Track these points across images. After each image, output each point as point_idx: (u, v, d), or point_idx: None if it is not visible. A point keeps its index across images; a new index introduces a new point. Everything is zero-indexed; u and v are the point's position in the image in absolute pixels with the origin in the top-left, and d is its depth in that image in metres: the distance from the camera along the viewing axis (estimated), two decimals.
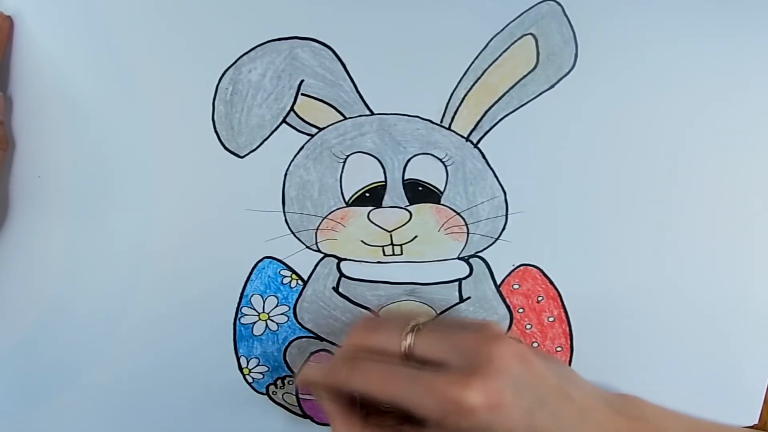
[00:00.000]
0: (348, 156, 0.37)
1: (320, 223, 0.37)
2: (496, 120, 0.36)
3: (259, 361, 0.39)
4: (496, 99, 0.36)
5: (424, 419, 0.29)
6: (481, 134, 0.37)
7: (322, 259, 0.38)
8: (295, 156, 0.37)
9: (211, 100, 0.36)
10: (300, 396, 0.40)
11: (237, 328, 0.39)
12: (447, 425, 0.28)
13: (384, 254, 0.38)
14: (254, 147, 0.36)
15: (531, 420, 0.29)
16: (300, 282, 0.38)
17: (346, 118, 0.36)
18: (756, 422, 0.42)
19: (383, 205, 0.37)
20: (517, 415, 0.29)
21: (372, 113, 0.36)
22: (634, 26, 0.36)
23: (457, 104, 0.36)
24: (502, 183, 0.37)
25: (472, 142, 0.37)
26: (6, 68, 0.36)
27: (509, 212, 0.37)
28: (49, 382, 0.39)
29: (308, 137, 0.37)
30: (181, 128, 0.36)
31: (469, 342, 0.30)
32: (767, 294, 0.39)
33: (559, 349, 0.40)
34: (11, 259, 0.38)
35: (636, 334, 0.39)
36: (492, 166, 0.37)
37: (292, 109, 0.36)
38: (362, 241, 0.38)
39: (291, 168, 0.37)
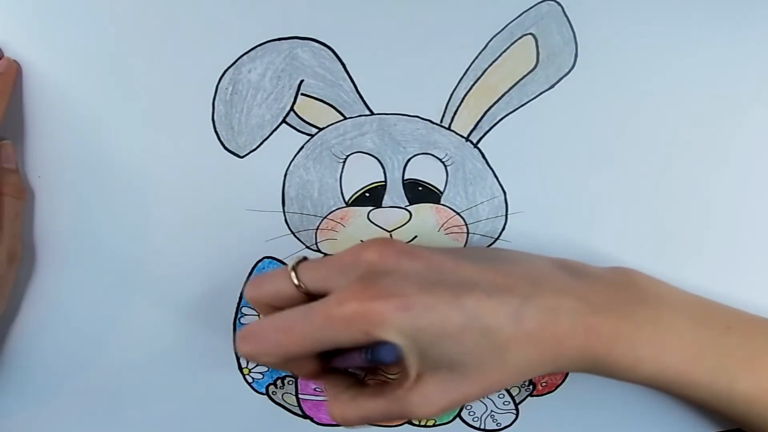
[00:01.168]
0: (348, 156, 0.37)
1: (320, 223, 0.37)
2: (496, 120, 0.37)
3: None
4: (496, 99, 0.36)
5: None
6: (481, 134, 0.37)
7: None
8: (295, 156, 0.37)
9: (211, 100, 0.36)
10: (300, 396, 0.40)
11: (237, 328, 0.39)
12: (379, 340, 0.26)
13: None
14: (254, 147, 0.36)
15: (463, 309, 0.26)
16: None
17: (345, 118, 0.36)
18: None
19: (383, 205, 0.37)
20: (442, 308, 0.26)
21: (372, 113, 0.36)
22: (634, 26, 0.36)
23: (457, 104, 0.36)
24: (502, 183, 0.37)
25: (472, 142, 0.37)
26: None
27: (509, 212, 0.37)
28: (49, 382, 0.39)
29: (308, 137, 0.37)
30: (181, 128, 0.36)
31: (346, 257, 0.28)
32: (767, 293, 0.39)
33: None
34: None
35: None
36: (492, 166, 0.37)
37: (291, 109, 0.36)
38: (362, 241, 0.38)
39: (291, 168, 0.37)
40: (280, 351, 0.28)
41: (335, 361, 0.31)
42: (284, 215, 0.37)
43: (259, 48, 0.35)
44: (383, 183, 0.37)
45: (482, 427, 0.41)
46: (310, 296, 0.29)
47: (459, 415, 0.41)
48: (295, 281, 0.29)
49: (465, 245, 0.38)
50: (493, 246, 0.37)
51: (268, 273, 0.32)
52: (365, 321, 0.25)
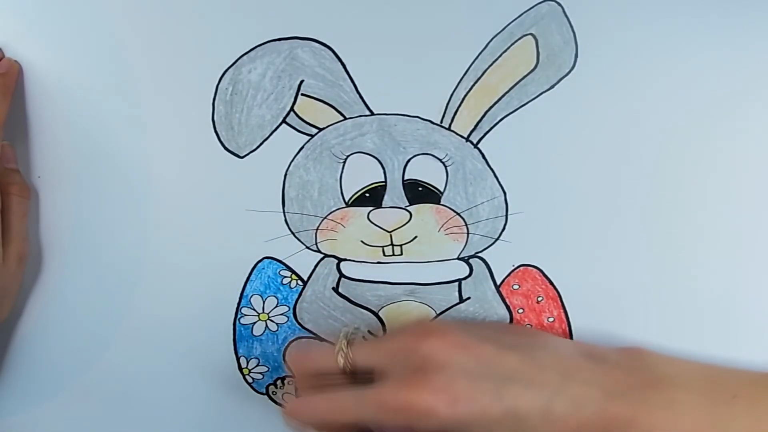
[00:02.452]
0: (348, 156, 0.37)
1: (320, 223, 0.37)
2: (496, 120, 0.36)
3: (259, 362, 0.39)
4: (496, 99, 0.36)
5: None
6: (481, 134, 0.37)
7: (322, 259, 0.38)
8: (295, 156, 0.37)
9: (211, 101, 0.36)
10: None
11: (237, 328, 0.39)
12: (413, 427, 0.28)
13: (384, 254, 0.38)
14: (254, 147, 0.36)
15: (502, 400, 0.28)
16: (300, 282, 0.38)
17: (346, 119, 0.36)
18: None
19: (383, 206, 0.37)
20: (485, 401, 0.28)
21: (372, 113, 0.36)
22: (634, 26, 0.36)
23: (457, 104, 0.36)
24: (502, 183, 0.37)
25: (472, 143, 0.37)
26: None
27: (509, 212, 0.37)
28: (49, 382, 0.39)
29: (308, 137, 0.37)
30: (181, 128, 0.36)
31: (402, 344, 0.30)
32: (767, 294, 0.39)
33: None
34: None
35: (636, 334, 0.38)
36: (492, 166, 0.37)
37: (292, 109, 0.36)
38: (362, 242, 0.38)
39: (291, 168, 0.37)
40: (325, 426, 0.30)
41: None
42: (284, 215, 0.37)
43: (259, 48, 0.35)
44: (383, 183, 0.37)
45: None
46: (354, 373, 0.31)
47: None
48: (347, 366, 0.31)
49: (465, 245, 0.38)
50: (513, 322, 0.36)
51: (315, 349, 0.34)
52: (415, 412, 0.27)
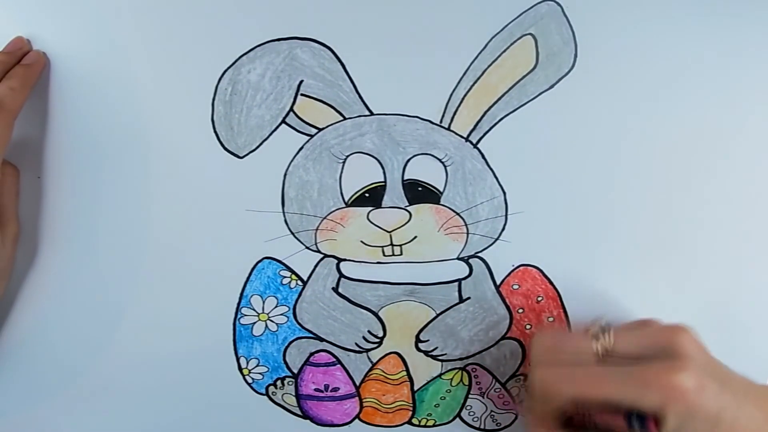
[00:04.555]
0: (347, 156, 0.37)
1: (320, 223, 0.37)
2: (496, 120, 0.36)
3: (259, 362, 0.39)
4: (496, 99, 0.36)
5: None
6: (481, 134, 0.37)
7: (322, 259, 0.38)
8: (295, 156, 0.37)
9: (211, 101, 0.36)
10: (300, 396, 0.40)
11: (237, 328, 0.39)
12: (666, 413, 0.30)
13: (384, 255, 0.38)
14: (254, 147, 0.36)
15: (719, 401, 0.31)
16: (299, 282, 0.38)
17: (345, 119, 0.36)
18: None
19: (383, 206, 0.37)
20: (712, 397, 0.31)
21: (371, 113, 0.36)
22: (633, 26, 0.36)
23: (457, 104, 0.36)
24: (501, 183, 0.37)
25: (471, 143, 0.37)
26: None
27: (509, 212, 0.37)
28: (49, 382, 0.39)
29: (308, 137, 0.37)
30: (181, 129, 0.36)
31: (659, 335, 0.33)
32: (767, 294, 0.39)
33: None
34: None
35: None
36: (491, 166, 0.37)
37: (291, 109, 0.36)
38: (362, 242, 0.38)
39: (290, 168, 0.37)
40: (583, 389, 0.32)
41: (598, 417, 0.34)
42: (284, 215, 0.37)
43: (258, 48, 0.35)
44: (383, 183, 0.37)
45: (482, 427, 0.41)
46: (605, 357, 0.33)
47: (459, 415, 0.41)
48: (609, 344, 0.33)
49: (465, 245, 0.38)
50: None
51: (565, 333, 0.37)
52: (675, 392, 0.30)
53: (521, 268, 0.38)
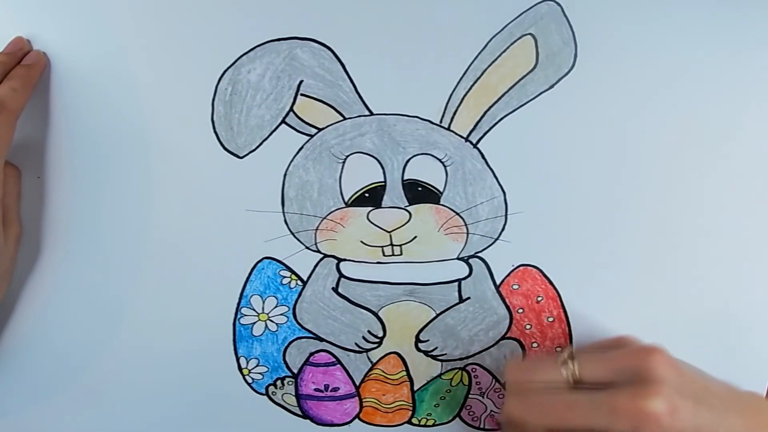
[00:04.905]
0: (347, 156, 0.37)
1: (319, 223, 0.37)
2: (496, 120, 0.36)
3: (259, 362, 0.39)
4: (496, 99, 0.36)
5: None
6: (481, 134, 0.37)
7: (322, 259, 0.38)
8: (295, 156, 0.37)
9: (211, 101, 0.36)
10: (300, 396, 0.40)
11: (236, 328, 0.39)
12: None
13: (383, 254, 0.38)
14: (253, 147, 0.36)
15: (696, 419, 0.31)
16: (299, 282, 0.38)
17: (345, 119, 0.36)
18: None
19: (383, 206, 0.37)
20: (687, 417, 0.31)
21: (371, 113, 0.36)
22: (633, 26, 0.36)
23: (457, 104, 0.36)
24: (501, 183, 0.37)
25: (471, 143, 0.37)
26: None
27: (509, 212, 0.37)
28: (50, 381, 0.39)
29: (307, 137, 0.37)
30: (181, 129, 0.36)
31: (627, 359, 0.32)
32: (767, 294, 0.39)
33: (558, 349, 0.40)
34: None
35: (635, 334, 0.38)
36: (491, 166, 0.37)
37: (291, 109, 0.36)
38: (362, 242, 0.38)
39: (290, 168, 0.37)
40: (554, 421, 0.32)
41: None
42: (284, 215, 0.37)
43: (258, 48, 0.35)
44: (383, 183, 0.37)
45: (482, 427, 0.41)
46: (576, 384, 0.33)
47: (459, 415, 0.41)
48: (575, 374, 0.33)
49: (465, 245, 0.38)
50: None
51: (535, 360, 0.36)
52: (645, 419, 0.30)
53: (521, 268, 0.38)
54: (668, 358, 0.32)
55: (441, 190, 0.37)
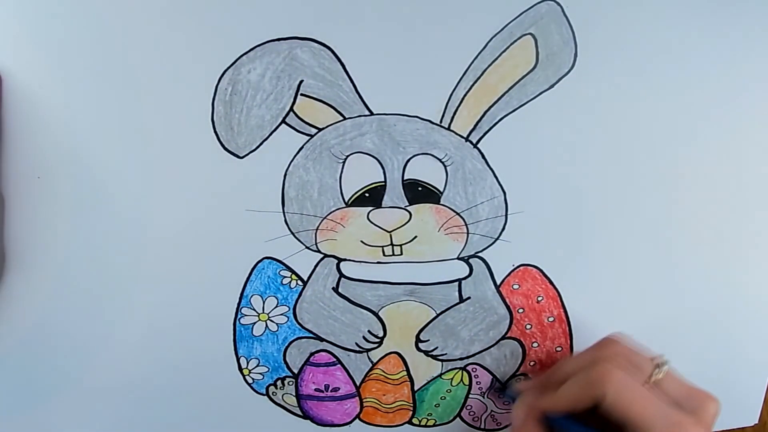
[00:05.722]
0: (347, 156, 0.37)
1: (320, 223, 0.37)
2: (496, 120, 0.36)
3: (259, 362, 0.39)
4: (496, 99, 0.36)
5: None
6: (481, 134, 0.37)
7: (322, 259, 0.38)
8: (295, 156, 0.37)
9: (211, 101, 0.36)
10: (300, 396, 0.40)
11: (237, 328, 0.39)
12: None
13: (384, 254, 0.38)
14: (254, 147, 0.36)
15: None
16: (300, 282, 0.38)
17: (345, 119, 0.36)
18: (756, 422, 0.42)
19: (383, 206, 0.37)
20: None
21: (371, 113, 0.36)
22: (633, 26, 0.36)
23: (457, 104, 0.36)
24: (501, 183, 0.37)
25: (471, 142, 0.37)
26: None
27: (509, 212, 0.37)
28: (49, 382, 0.39)
29: (308, 137, 0.37)
30: (181, 129, 0.36)
31: (697, 393, 0.34)
32: (767, 294, 0.39)
33: (559, 349, 0.40)
34: (10, 259, 0.38)
35: (635, 334, 0.38)
36: (491, 166, 0.37)
37: (291, 109, 0.36)
38: (362, 242, 0.38)
39: (290, 168, 0.37)
40: (626, 403, 0.33)
41: None
42: (284, 215, 0.37)
43: (258, 48, 0.35)
44: (383, 183, 0.37)
45: (482, 426, 0.41)
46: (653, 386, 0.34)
47: (459, 414, 0.41)
48: (654, 380, 0.34)
49: (465, 245, 0.38)
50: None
51: (633, 352, 0.36)
52: (608, 377, 0.32)
53: (521, 268, 0.38)
54: (718, 411, 0.33)
55: (441, 190, 0.37)
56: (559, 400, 0.34)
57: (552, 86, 0.36)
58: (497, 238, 0.38)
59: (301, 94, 0.36)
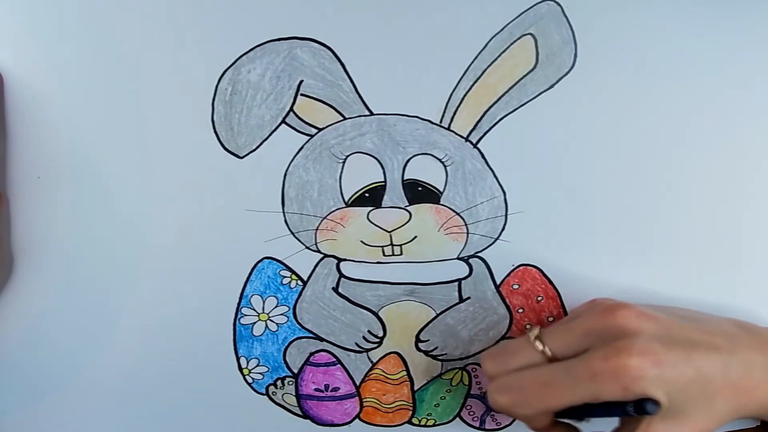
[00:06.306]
0: (347, 156, 0.37)
1: (320, 223, 0.37)
2: (496, 120, 0.36)
3: (259, 362, 0.39)
4: (496, 99, 0.36)
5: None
6: (481, 134, 0.37)
7: (322, 259, 0.38)
8: (295, 156, 0.37)
9: (211, 101, 0.36)
10: (300, 396, 0.40)
11: (237, 328, 0.39)
12: (631, 396, 0.29)
13: (384, 254, 0.38)
14: (254, 147, 0.36)
15: (693, 362, 0.30)
16: (300, 282, 0.38)
17: (345, 119, 0.36)
18: (758, 423, 0.42)
19: (383, 206, 0.37)
20: (680, 364, 0.30)
21: (371, 113, 0.36)
22: (633, 26, 0.36)
23: (457, 104, 0.36)
24: (501, 183, 0.37)
25: (471, 142, 0.37)
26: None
27: (509, 212, 0.37)
28: (49, 382, 0.39)
29: (308, 137, 0.37)
30: (181, 129, 0.36)
31: (595, 321, 0.32)
32: (767, 294, 0.39)
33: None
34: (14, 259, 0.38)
35: None
36: (491, 166, 0.37)
37: (291, 109, 0.36)
38: (362, 242, 0.38)
39: (290, 168, 0.37)
40: (541, 404, 0.32)
41: (594, 412, 0.32)
42: (284, 215, 0.37)
43: (258, 48, 0.35)
44: (383, 183, 0.37)
45: (482, 427, 0.41)
46: (552, 361, 0.32)
47: (459, 414, 0.41)
48: (547, 352, 0.32)
49: (465, 245, 0.38)
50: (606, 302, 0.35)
51: (506, 345, 0.34)
52: (628, 376, 0.29)
53: (521, 268, 0.38)
54: (639, 311, 0.31)
55: (441, 190, 0.37)
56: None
57: (552, 86, 0.36)
58: (497, 238, 0.38)
59: (301, 94, 0.36)
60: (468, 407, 0.41)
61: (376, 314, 0.39)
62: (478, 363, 0.40)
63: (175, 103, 0.36)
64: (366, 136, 0.37)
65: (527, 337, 0.33)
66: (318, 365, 0.40)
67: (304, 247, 0.38)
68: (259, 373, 0.39)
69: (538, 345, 0.32)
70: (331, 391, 0.40)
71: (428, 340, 0.39)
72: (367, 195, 0.37)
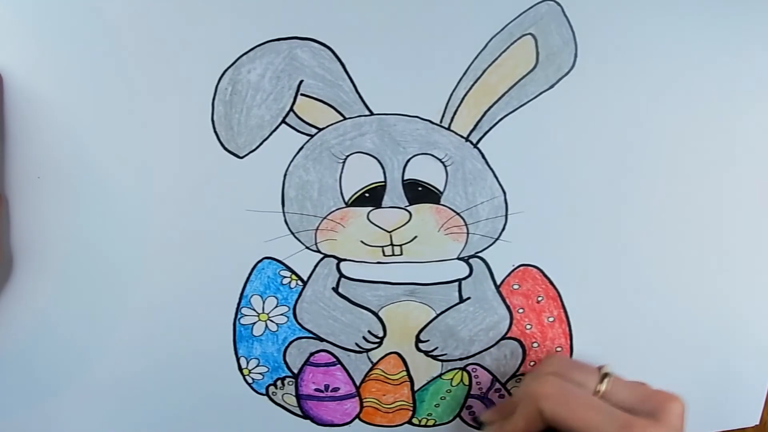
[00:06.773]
0: (347, 156, 0.37)
1: (320, 223, 0.37)
2: (496, 120, 0.36)
3: (259, 362, 0.39)
4: (496, 99, 0.36)
5: None
6: (481, 134, 0.37)
7: (322, 259, 0.38)
8: (295, 156, 0.37)
9: (211, 101, 0.36)
10: (300, 396, 0.40)
11: (237, 328, 0.39)
12: None
13: (384, 254, 0.38)
14: (254, 147, 0.36)
15: None
16: (300, 282, 0.38)
17: (345, 119, 0.36)
18: (757, 423, 0.42)
19: (383, 206, 0.37)
20: None
21: (371, 113, 0.36)
22: (633, 26, 0.36)
23: (457, 104, 0.36)
24: (501, 183, 0.37)
25: (471, 142, 0.37)
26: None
27: (509, 212, 0.37)
28: (49, 382, 0.39)
29: (308, 137, 0.37)
30: (181, 129, 0.36)
31: (654, 396, 0.34)
32: (767, 295, 0.39)
33: (559, 349, 0.40)
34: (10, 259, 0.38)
35: (636, 334, 0.38)
36: (491, 166, 0.37)
37: (291, 109, 0.36)
38: (362, 242, 0.38)
39: (290, 168, 0.37)
40: (566, 412, 0.33)
41: None
42: (284, 215, 0.37)
43: (258, 48, 0.35)
44: (383, 183, 0.37)
45: (482, 427, 0.41)
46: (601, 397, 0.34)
47: (459, 415, 0.41)
48: (602, 389, 0.34)
49: (465, 245, 0.38)
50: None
51: (577, 362, 0.37)
52: None
53: (521, 268, 0.38)
54: (684, 412, 0.33)
55: (441, 190, 0.37)
56: (515, 427, 0.34)
57: (552, 86, 0.36)
58: (497, 238, 0.38)
59: (301, 94, 0.36)
60: (468, 407, 0.41)
61: (376, 314, 0.39)
62: (479, 363, 0.40)
63: (175, 103, 0.36)
64: (366, 136, 0.37)
65: (601, 369, 0.35)
66: (318, 365, 0.40)
67: (304, 247, 0.38)
68: (259, 374, 0.39)
69: (602, 386, 0.34)
70: (331, 391, 0.40)
71: (428, 341, 0.39)
72: (367, 195, 0.37)
